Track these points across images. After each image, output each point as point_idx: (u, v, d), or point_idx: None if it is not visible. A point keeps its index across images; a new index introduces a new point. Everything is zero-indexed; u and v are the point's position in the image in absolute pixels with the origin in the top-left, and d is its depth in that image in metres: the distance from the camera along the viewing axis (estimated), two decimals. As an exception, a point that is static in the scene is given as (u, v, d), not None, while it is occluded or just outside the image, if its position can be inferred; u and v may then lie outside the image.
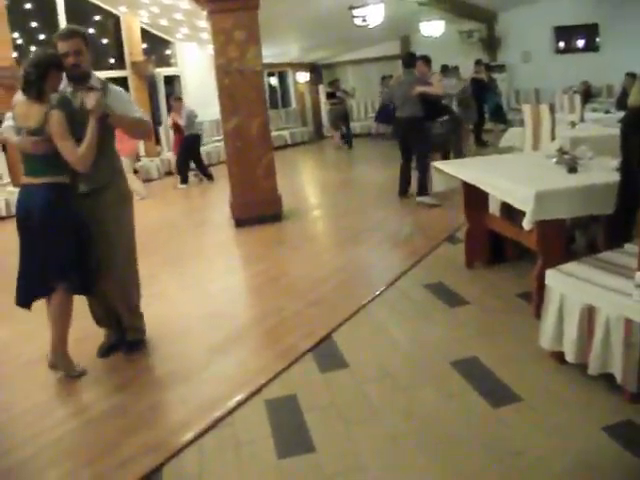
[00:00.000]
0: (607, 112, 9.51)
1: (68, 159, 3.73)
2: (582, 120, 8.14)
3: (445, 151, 9.91)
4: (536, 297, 4.05)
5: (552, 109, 5.96)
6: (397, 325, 4.35)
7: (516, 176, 4.30)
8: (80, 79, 3.92)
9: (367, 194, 9.18)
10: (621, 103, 10.04)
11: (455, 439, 2.93)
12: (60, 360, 3.96)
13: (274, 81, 19.74)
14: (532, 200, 3.68)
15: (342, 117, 16.63)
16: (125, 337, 4.31)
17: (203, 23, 12.83)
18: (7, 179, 11.33)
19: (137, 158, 12.29)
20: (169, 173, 14.23)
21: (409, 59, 8.60)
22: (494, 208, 5.18)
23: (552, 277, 3.39)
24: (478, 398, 3.24)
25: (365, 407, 3.31)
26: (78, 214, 3.89)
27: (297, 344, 4.14)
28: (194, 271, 6.23)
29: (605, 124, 7.56)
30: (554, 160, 4.59)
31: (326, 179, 12.20)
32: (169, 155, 14.46)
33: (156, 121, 15.33)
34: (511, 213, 4.69)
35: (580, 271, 3.31)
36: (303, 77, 19.52)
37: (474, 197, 5.02)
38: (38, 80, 3.69)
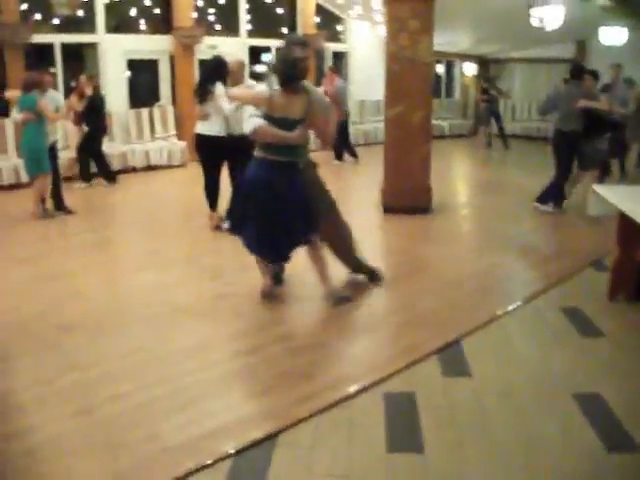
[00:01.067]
0: None
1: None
2: None
3: (604, 168, 9.53)
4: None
5: None
6: (527, 344, 4.31)
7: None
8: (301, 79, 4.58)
9: (520, 199, 8.96)
10: None
11: (560, 474, 2.91)
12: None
13: (440, 70, 19.54)
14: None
15: (490, 115, 16.07)
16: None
17: (377, 4, 12.95)
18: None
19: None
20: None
21: (578, 71, 8.30)
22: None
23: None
24: (594, 438, 3.16)
25: (480, 419, 3.34)
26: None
27: (424, 343, 4.21)
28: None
29: None
30: None
31: (479, 176, 12.08)
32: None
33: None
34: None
35: None
36: (470, 69, 19.20)
37: (629, 228, 4.83)
38: (295, 75, 4.46)
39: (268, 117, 4.49)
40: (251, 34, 14.46)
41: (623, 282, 5.07)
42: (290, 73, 4.46)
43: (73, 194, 9.05)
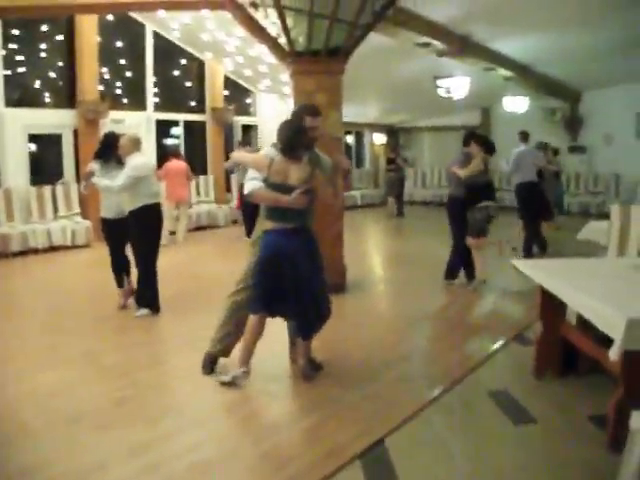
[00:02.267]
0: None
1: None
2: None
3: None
4: (612, 428, 3.68)
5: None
6: (456, 439, 3.95)
7: (602, 291, 3.93)
8: (309, 148, 4.69)
9: (434, 270, 8.81)
10: None
11: None
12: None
13: (350, 140, 19.75)
14: (623, 327, 3.31)
15: (398, 184, 16.21)
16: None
17: (286, 77, 12.96)
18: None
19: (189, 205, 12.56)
20: (235, 221, 14.31)
21: (465, 137, 8.11)
22: (570, 315, 4.83)
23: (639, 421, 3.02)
24: None
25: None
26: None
27: (346, 445, 3.80)
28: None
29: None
30: (645, 274, 4.24)
31: (392, 248, 12.01)
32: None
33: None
34: (588, 324, 4.31)
35: (672, 416, 2.94)
36: (379, 139, 19.48)
37: (551, 302, 4.66)
38: (298, 144, 4.52)
39: (266, 182, 4.50)
40: (158, 108, 14.17)
41: (549, 358, 4.88)
42: (294, 141, 4.51)
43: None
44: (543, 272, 4.61)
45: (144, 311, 6.78)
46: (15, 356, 5.67)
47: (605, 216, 13.08)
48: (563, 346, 4.82)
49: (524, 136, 10.38)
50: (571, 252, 8.99)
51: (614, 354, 3.36)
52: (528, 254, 9.88)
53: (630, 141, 16.55)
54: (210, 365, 4.99)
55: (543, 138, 13.11)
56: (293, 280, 4.53)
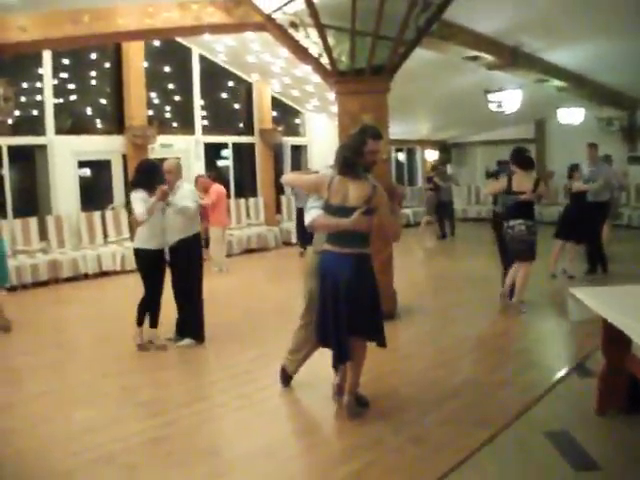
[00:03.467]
0: None
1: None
2: None
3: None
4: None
5: None
6: (510, 488, 3.64)
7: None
8: (368, 172, 4.51)
9: (485, 293, 8.46)
10: None
11: None
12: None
13: (402, 157, 19.45)
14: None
15: (435, 205, 15.33)
16: None
17: (333, 96, 12.79)
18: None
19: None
20: (286, 243, 14.24)
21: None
22: (636, 348, 4.46)
23: None
24: None
25: None
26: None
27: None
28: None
29: None
30: None
31: (444, 270, 11.49)
32: (290, 225, 14.57)
33: (279, 190, 15.36)
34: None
35: None
36: (431, 155, 19.12)
37: (614, 334, 4.29)
38: (357, 162, 4.37)
39: (326, 205, 4.41)
40: (207, 131, 14.18)
41: (613, 395, 4.50)
42: (354, 160, 4.38)
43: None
44: (606, 303, 4.24)
45: (188, 341, 6.61)
46: (54, 390, 5.56)
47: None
48: (629, 382, 4.45)
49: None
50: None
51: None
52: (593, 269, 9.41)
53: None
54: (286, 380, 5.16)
55: (601, 149, 12.57)
56: (346, 302, 4.37)
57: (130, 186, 6.62)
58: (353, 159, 4.37)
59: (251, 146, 15.15)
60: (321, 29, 6.68)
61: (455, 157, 19.96)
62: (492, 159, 17.26)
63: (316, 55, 7.32)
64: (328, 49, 6.89)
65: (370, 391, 4.97)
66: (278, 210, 15.29)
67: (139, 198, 6.23)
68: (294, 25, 7.13)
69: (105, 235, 11.95)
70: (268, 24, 7.42)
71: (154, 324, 6.63)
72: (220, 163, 15.23)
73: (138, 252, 6.52)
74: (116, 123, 12.52)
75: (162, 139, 12.82)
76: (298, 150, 16.37)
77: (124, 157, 12.55)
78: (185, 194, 6.40)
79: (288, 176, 5.63)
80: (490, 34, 9.49)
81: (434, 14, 7.07)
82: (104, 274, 11.28)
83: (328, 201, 4.38)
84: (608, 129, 16.45)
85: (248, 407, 4.95)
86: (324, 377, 5.10)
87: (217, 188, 11.25)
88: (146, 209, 6.13)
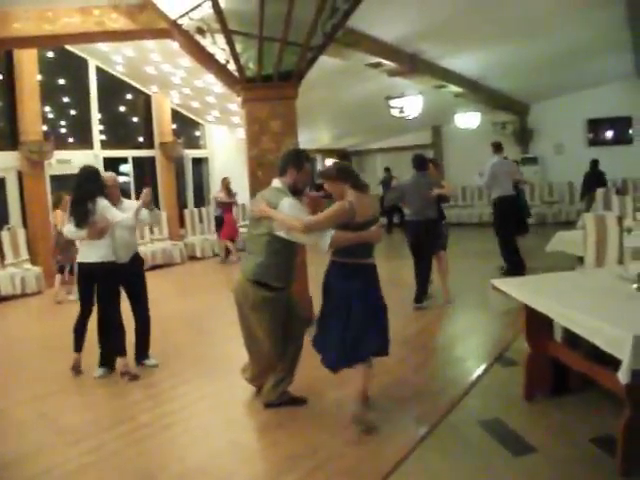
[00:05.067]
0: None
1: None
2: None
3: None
4: (622, 452, 3.45)
5: (620, 220, 5.43)
6: (456, 477, 3.67)
7: (597, 308, 3.70)
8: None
9: (401, 295, 8.57)
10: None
11: None
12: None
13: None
14: (630, 346, 3.08)
15: None
16: None
17: (234, 107, 12.71)
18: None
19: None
20: (192, 257, 13.94)
21: (422, 162, 8.19)
22: (557, 333, 4.63)
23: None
24: None
25: None
26: None
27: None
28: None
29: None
30: (634, 286, 4.04)
31: None
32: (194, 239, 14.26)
33: (182, 204, 15.09)
34: (576, 340, 4.09)
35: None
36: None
37: (537, 321, 4.44)
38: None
39: (352, 224, 4.29)
40: (105, 145, 13.74)
41: (539, 379, 4.64)
42: (359, 177, 4.52)
43: None
44: (528, 290, 4.39)
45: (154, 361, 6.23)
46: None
47: (563, 225, 13.23)
48: (552, 366, 4.60)
49: (497, 147, 9.81)
50: (542, 265, 8.80)
51: (625, 376, 3.12)
52: (515, 269, 9.30)
53: (581, 149, 16.86)
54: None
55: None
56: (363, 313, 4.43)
57: (86, 196, 5.74)
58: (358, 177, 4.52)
59: (152, 160, 14.81)
60: (229, 35, 6.59)
61: (355, 165, 20.26)
62: (391, 166, 17.67)
63: (223, 62, 7.22)
64: (236, 55, 6.81)
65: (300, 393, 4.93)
66: (182, 224, 14.97)
67: (108, 205, 5.75)
68: (201, 31, 6.99)
69: (2, 257, 11.33)
70: (174, 30, 7.24)
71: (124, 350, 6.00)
72: (120, 179, 14.78)
73: (105, 266, 5.80)
74: (10, 139, 11.92)
75: (59, 154, 12.31)
76: (199, 163, 16.15)
77: (19, 174, 11.96)
78: (131, 206, 6.00)
79: (278, 214, 4.43)
80: (391, 41, 9.68)
81: (340, 20, 7.12)
82: (2, 299, 10.66)
83: (354, 219, 4.28)
84: (502, 132, 17.18)
85: (175, 425, 4.74)
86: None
87: None
88: (134, 213, 5.73)
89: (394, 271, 10.35)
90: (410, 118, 12.19)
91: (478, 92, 14.02)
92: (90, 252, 5.75)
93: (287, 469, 3.91)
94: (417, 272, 8.05)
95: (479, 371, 5.44)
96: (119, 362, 5.91)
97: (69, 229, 5.76)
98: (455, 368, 5.67)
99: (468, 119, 15.28)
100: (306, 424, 4.54)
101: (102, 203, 5.73)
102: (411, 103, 11.56)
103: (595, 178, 14.41)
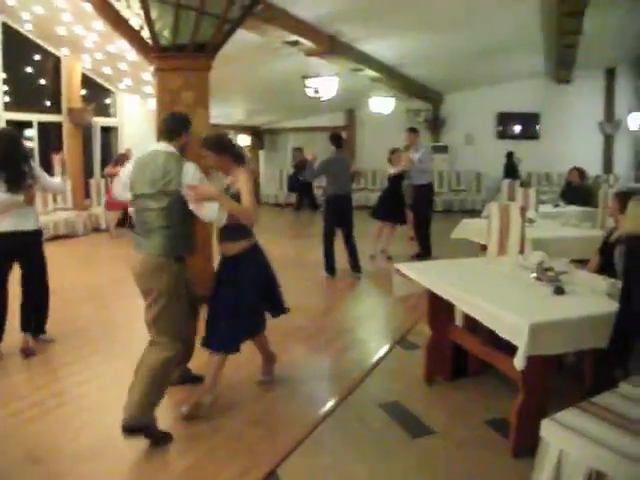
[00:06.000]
0: (556, 205, 9.29)
1: None
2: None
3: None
4: (515, 434, 3.58)
5: (523, 211, 5.58)
6: (354, 460, 3.67)
7: (497, 296, 3.80)
8: None
9: (303, 275, 8.59)
10: (566, 196, 9.92)
11: None
12: None
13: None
14: (526, 334, 3.17)
15: None
16: None
17: (147, 76, 12.31)
18: None
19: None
20: (96, 229, 13.45)
21: (340, 140, 8.85)
22: (458, 318, 4.74)
23: (549, 429, 2.87)
24: None
25: None
26: None
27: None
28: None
29: (562, 222, 7.28)
30: (533, 275, 4.17)
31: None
32: (98, 210, 13.74)
33: (88, 173, 14.56)
34: (476, 325, 4.19)
35: (581, 423, 2.81)
36: (244, 141, 19.10)
37: (439, 306, 4.52)
38: None
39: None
40: (9, 107, 13.05)
41: (439, 363, 4.74)
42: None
43: None
44: (430, 276, 4.46)
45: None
46: None
47: (468, 212, 13.59)
48: (452, 350, 4.70)
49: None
50: (446, 252, 8.99)
51: (520, 363, 3.21)
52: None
53: (490, 140, 17.40)
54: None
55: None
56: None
57: (18, 157, 5.30)
58: None
59: (58, 125, 14.19)
60: (144, 0, 6.36)
61: (267, 143, 20.14)
62: (305, 146, 17.64)
63: (137, 28, 6.97)
64: (150, 22, 6.57)
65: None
66: (87, 195, 14.42)
67: (40, 169, 5.50)
68: (115, -6, 6.74)
69: None
70: (85, -9, 6.95)
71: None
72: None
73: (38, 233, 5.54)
74: None
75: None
76: (108, 131, 15.61)
77: None
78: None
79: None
80: (310, 20, 9.58)
81: (259, -7, 7.00)
82: None
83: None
84: (415, 120, 17.44)
85: (67, 404, 4.54)
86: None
87: None
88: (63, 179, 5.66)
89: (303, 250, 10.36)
90: (325, 99, 12.16)
91: (394, 78, 14.12)
92: (27, 220, 5.35)
93: (186, 449, 3.83)
94: (328, 249, 8.49)
95: (381, 353, 5.51)
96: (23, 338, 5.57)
97: None
98: (356, 351, 5.70)
99: (382, 104, 15.37)
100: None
101: (36, 166, 5.46)
102: (327, 84, 11.51)
103: (510, 169, 15.06)
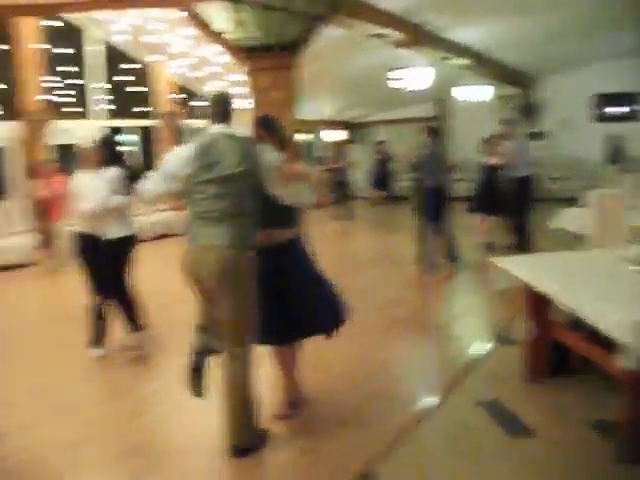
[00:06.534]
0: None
1: None
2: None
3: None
4: (622, 438, 3.39)
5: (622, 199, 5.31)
6: (453, 460, 3.60)
7: (598, 290, 3.63)
8: None
9: (398, 270, 8.53)
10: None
11: None
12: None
13: (305, 137, 19.28)
14: (631, 331, 3.00)
15: (332, 186, 14.49)
16: None
17: (236, 77, 12.51)
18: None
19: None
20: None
21: (437, 132, 8.78)
22: (558, 313, 4.55)
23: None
24: None
25: None
26: None
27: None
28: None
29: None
30: (635, 268, 3.95)
31: (351, 250, 11.43)
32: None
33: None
34: (578, 321, 4.01)
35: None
36: (339, 136, 19.02)
37: (538, 301, 4.37)
38: None
39: None
40: (106, 115, 13.64)
41: (539, 360, 4.58)
42: None
43: None
44: (529, 270, 4.30)
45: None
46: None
47: (567, 201, 13.08)
48: (553, 347, 4.53)
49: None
50: (545, 242, 8.71)
51: (626, 361, 3.05)
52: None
53: (587, 124, 16.65)
54: None
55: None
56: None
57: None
58: None
59: (153, 130, 14.68)
60: (232, 3, 6.45)
61: (357, 137, 20.04)
62: (395, 138, 17.46)
63: (226, 31, 7.09)
64: (239, 24, 6.68)
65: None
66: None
67: None
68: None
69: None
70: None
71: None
72: (124, 149, 14.66)
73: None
74: (10, 108, 11.82)
75: (60, 124, 12.22)
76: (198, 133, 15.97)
77: (20, 143, 11.88)
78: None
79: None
80: (396, 11, 9.47)
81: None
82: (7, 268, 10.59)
83: None
84: (508, 106, 16.94)
85: (166, 402, 4.65)
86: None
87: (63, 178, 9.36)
88: None
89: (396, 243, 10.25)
90: (414, 90, 12.00)
91: (485, 65, 13.79)
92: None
93: (280, 446, 3.84)
94: (422, 238, 8.43)
95: (479, 350, 5.40)
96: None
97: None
98: (454, 347, 5.61)
99: (473, 92, 14.97)
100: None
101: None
102: (418, 75, 11.35)
103: (614, 153, 14.29)
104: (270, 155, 3.75)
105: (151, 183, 3.87)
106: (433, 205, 8.29)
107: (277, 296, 3.92)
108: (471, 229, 9.97)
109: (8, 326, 7.11)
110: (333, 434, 3.97)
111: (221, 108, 3.86)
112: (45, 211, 9.81)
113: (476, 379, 4.78)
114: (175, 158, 3.81)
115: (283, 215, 3.98)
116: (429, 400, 4.39)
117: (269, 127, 4.10)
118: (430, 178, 8.30)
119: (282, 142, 4.12)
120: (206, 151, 3.69)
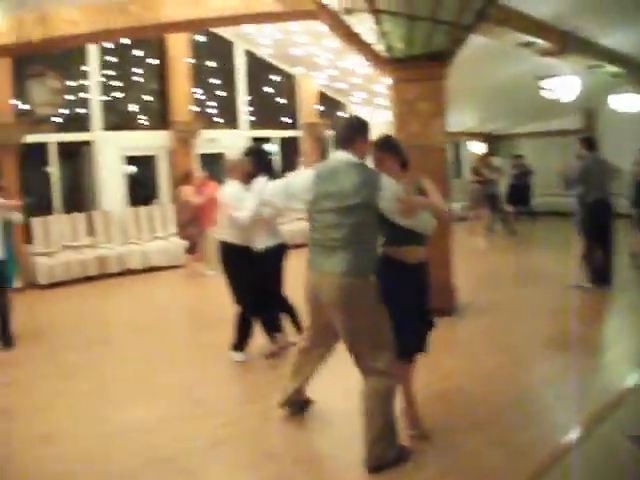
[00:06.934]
0: None
1: None
2: None
3: None
4: None
5: None
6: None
7: None
8: None
9: (552, 288, 8.16)
10: None
11: None
12: None
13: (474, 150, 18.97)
14: None
15: (485, 197, 14.04)
16: None
17: (379, 88, 12.54)
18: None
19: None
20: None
21: (594, 142, 8.34)
22: None
23: None
24: None
25: None
26: None
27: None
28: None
29: None
30: None
31: (501, 265, 10.83)
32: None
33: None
34: None
35: None
36: (479, 148, 18.61)
37: None
38: None
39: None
40: (252, 125, 14.10)
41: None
42: None
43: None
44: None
45: None
46: (100, 388, 5.44)
47: None
48: None
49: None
50: None
51: None
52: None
53: None
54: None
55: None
56: None
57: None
58: None
59: (294, 140, 15.00)
60: (376, 14, 6.43)
61: (501, 149, 19.46)
62: (539, 151, 16.79)
63: (370, 42, 7.08)
64: (384, 35, 6.64)
65: (437, 389, 4.80)
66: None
67: None
68: (348, 11, 6.90)
69: (152, 231, 11.85)
70: (321, 11, 7.19)
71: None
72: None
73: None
74: (161, 119, 12.49)
75: (207, 134, 12.77)
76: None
77: (169, 152, 12.52)
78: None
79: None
80: (546, 18, 9.10)
81: (492, -4, 6.76)
82: (151, 270, 11.16)
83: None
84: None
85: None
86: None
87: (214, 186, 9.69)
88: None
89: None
90: (564, 101, 11.50)
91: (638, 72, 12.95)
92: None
93: (424, 464, 3.74)
94: (589, 255, 7.99)
95: (631, 378, 5.03)
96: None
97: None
98: (608, 372, 5.30)
99: (627, 101, 14.06)
100: (443, 416, 4.36)
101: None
102: (566, 84, 10.88)
103: None
104: (391, 186, 3.68)
105: (275, 196, 4.10)
106: (598, 222, 7.87)
107: (417, 310, 3.98)
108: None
109: (153, 325, 7.50)
110: (477, 455, 3.84)
111: (346, 133, 3.86)
112: (196, 217, 10.23)
113: (627, 410, 4.48)
114: (300, 181, 3.94)
115: (417, 234, 3.95)
116: (574, 430, 4.12)
117: (391, 148, 4.06)
118: (592, 192, 7.87)
119: (404, 164, 4.07)
120: (327, 178, 3.75)
